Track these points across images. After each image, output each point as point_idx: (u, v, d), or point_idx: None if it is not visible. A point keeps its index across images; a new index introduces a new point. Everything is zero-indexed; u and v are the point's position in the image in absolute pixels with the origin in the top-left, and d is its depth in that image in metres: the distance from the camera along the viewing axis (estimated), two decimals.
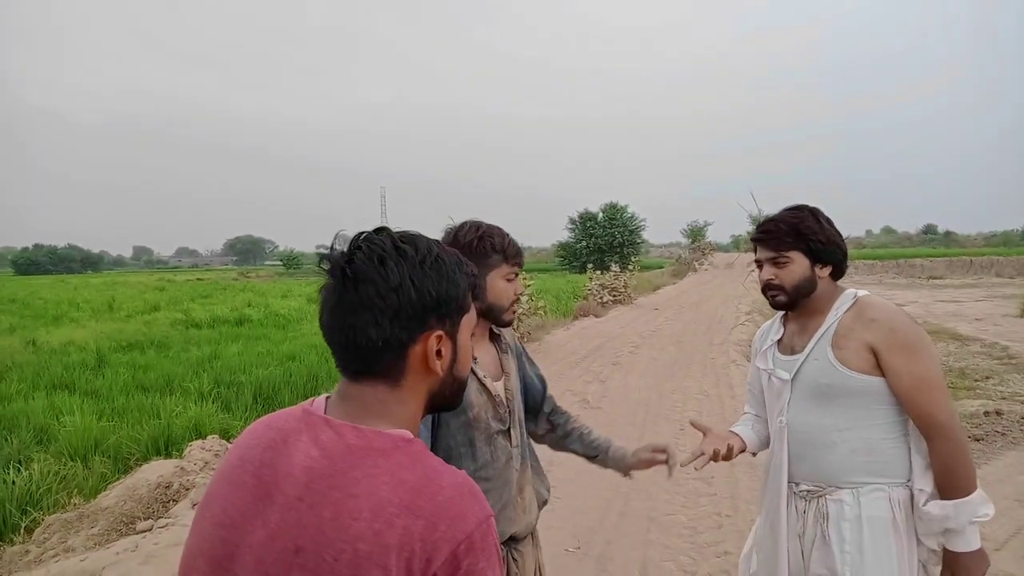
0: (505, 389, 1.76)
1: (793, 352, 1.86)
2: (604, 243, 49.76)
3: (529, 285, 11.59)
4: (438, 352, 0.92)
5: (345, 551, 0.78)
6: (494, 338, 1.82)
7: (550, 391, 2.04)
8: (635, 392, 7.71)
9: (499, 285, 1.72)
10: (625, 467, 1.96)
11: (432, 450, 1.78)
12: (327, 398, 0.95)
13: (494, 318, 1.75)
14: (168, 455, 5.66)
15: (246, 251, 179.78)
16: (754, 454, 2.08)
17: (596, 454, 2.00)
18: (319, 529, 0.80)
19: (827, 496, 1.75)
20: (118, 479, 5.07)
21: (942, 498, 1.63)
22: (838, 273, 1.83)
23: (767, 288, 1.85)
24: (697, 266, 41.12)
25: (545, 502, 1.97)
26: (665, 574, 3.45)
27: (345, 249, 0.91)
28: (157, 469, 4.96)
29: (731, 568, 3.44)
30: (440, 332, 0.91)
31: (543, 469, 2.02)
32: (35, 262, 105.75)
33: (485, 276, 1.70)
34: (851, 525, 1.70)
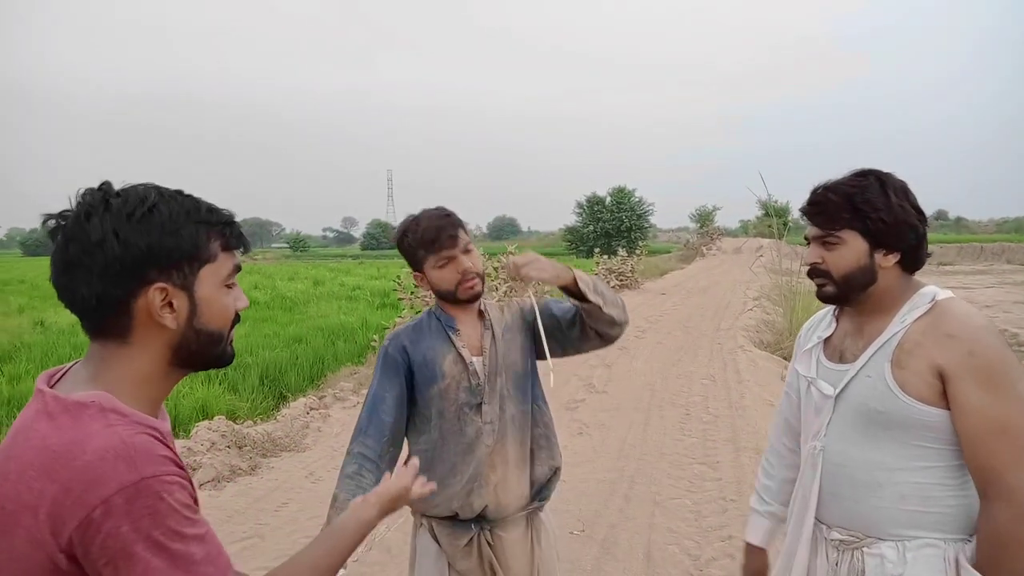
0: (483, 364, 1.81)
1: (842, 360, 1.49)
2: (611, 227, 49.59)
3: None
4: (169, 304, 0.91)
5: None
6: (481, 315, 1.89)
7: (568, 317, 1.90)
8: (641, 376, 7.70)
9: (434, 275, 1.79)
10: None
11: (408, 418, 1.83)
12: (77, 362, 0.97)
13: (450, 300, 1.83)
14: (175, 436, 5.69)
15: (252, 234, 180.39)
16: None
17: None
18: None
19: (864, 548, 1.41)
20: None
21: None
22: (912, 263, 1.44)
23: (812, 274, 1.49)
24: (705, 251, 40.92)
25: (548, 480, 1.87)
26: (669, 557, 3.45)
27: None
28: None
29: (735, 551, 3.44)
30: (163, 285, 0.90)
31: (552, 454, 1.90)
32: (43, 243, 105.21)
33: (424, 270, 1.80)
34: None
